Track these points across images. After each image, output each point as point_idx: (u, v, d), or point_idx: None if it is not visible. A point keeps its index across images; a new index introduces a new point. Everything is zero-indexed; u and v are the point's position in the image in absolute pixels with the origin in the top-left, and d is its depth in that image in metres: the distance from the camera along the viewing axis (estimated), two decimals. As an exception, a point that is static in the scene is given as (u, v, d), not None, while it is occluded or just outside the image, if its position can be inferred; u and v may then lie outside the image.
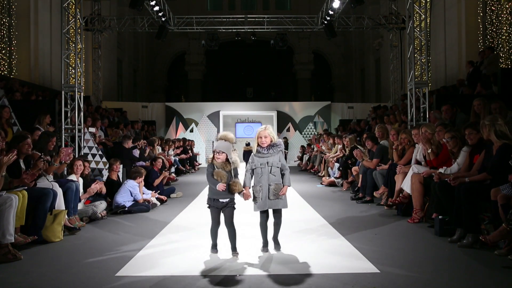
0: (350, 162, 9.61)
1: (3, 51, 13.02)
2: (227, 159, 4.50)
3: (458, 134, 5.70)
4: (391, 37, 17.96)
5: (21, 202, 4.63)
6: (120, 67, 22.85)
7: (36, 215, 4.97)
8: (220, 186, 4.38)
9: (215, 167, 4.47)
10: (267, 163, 4.57)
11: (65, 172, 6.94)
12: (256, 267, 4.09)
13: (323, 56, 28.74)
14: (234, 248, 4.48)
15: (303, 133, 20.76)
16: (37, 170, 5.23)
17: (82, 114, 9.16)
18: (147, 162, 9.94)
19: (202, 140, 20.27)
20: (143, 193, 7.61)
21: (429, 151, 6.24)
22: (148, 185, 8.45)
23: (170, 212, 7.15)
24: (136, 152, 9.89)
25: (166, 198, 8.23)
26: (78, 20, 9.18)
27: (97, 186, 6.68)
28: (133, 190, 7.28)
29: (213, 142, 18.53)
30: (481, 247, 4.53)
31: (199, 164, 17.83)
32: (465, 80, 11.17)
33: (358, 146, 9.94)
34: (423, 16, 9.85)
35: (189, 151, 16.09)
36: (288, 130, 20.95)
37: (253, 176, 4.66)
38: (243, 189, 4.55)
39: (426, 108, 9.30)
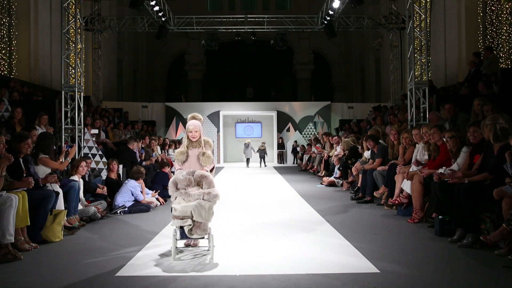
0: (350, 162, 9.62)
1: (3, 51, 13.02)
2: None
3: (457, 134, 5.70)
4: (391, 37, 17.96)
5: (21, 202, 4.62)
6: (120, 67, 22.85)
7: (36, 216, 4.96)
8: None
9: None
10: None
11: (65, 172, 6.96)
12: (256, 267, 4.09)
13: (323, 56, 28.75)
14: None
15: (303, 133, 20.78)
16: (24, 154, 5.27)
17: (82, 114, 9.15)
18: (146, 161, 9.94)
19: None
20: (146, 194, 7.62)
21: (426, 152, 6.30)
22: (148, 185, 8.46)
23: (170, 212, 7.14)
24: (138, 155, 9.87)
25: (164, 202, 8.12)
26: (78, 20, 9.17)
27: (100, 191, 7.08)
28: (135, 190, 7.29)
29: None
30: (481, 247, 4.53)
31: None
32: (465, 82, 11.14)
33: (358, 146, 9.96)
34: (423, 16, 9.85)
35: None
36: (288, 130, 20.98)
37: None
38: None
39: (426, 108, 9.31)
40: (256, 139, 20.96)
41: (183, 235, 4.31)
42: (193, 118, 4.76)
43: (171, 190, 4.49)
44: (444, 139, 5.79)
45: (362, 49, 25.58)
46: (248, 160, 18.51)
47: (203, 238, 4.35)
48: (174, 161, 4.77)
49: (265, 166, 18.54)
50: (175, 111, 20.72)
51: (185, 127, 4.79)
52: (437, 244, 4.89)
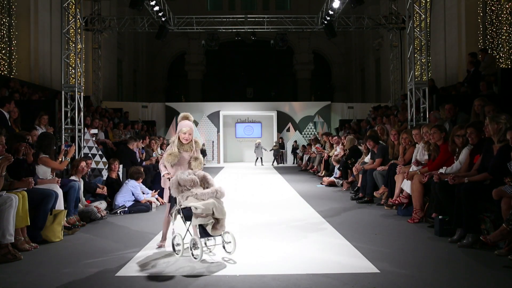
0: (350, 162, 9.62)
1: (3, 51, 13.02)
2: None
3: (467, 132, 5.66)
4: (391, 37, 17.96)
5: (21, 202, 4.63)
6: (120, 67, 22.85)
7: (36, 216, 4.96)
8: None
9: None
10: None
11: (65, 172, 6.96)
12: (256, 267, 4.09)
13: (323, 56, 28.75)
14: None
15: (303, 133, 20.79)
16: (21, 154, 5.26)
17: (82, 114, 9.15)
18: (146, 161, 9.94)
19: (202, 140, 20.32)
20: (144, 193, 7.62)
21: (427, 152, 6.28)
22: (148, 185, 8.46)
23: (170, 212, 7.14)
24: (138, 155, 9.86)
25: (163, 202, 8.12)
26: (78, 20, 9.17)
27: (100, 191, 7.10)
28: (135, 190, 7.30)
29: (212, 142, 20.61)
30: (481, 247, 4.53)
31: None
32: (465, 82, 11.14)
33: (359, 146, 9.96)
34: (423, 16, 9.85)
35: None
36: (288, 130, 20.99)
37: None
38: None
39: (426, 108, 9.31)
40: (256, 139, 21.01)
41: (204, 234, 4.23)
42: (186, 118, 4.62)
43: (175, 190, 4.34)
44: (456, 136, 5.72)
45: (362, 49, 25.57)
46: (258, 159, 19.40)
47: (219, 235, 4.31)
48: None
49: (264, 165, 19.18)
50: (175, 111, 20.70)
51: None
52: (437, 244, 4.89)
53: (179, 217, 4.37)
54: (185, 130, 4.53)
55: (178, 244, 4.46)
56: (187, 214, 4.27)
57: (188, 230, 4.43)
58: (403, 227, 5.80)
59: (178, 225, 4.52)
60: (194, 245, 4.27)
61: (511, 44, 12.81)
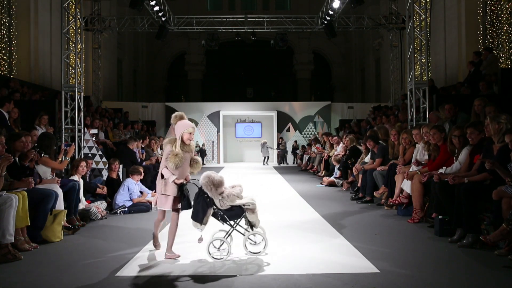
0: (350, 162, 9.61)
1: (3, 51, 13.01)
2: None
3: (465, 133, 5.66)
4: (391, 37, 17.96)
5: (21, 202, 4.62)
6: (120, 67, 22.84)
7: (36, 216, 4.96)
8: None
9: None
10: None
11: (65, 172, 6.96)
12: (256, 267, 4.09)
13: (323, 56, 28.75)
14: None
15: (303, 133, 20.79)
16: (29, 160, 5.26)
17: (82, 114, 9.15)
18: (146, 161, 9.94)
19: (202, 140, 20.32)
20: (147, 193, 7.61)
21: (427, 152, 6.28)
22: (148, 185, 8.45)
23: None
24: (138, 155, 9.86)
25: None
26: (78, 20, 9.18)
27: (100, 191, 7.11)
28: (131, 186, 7.28)
29: (213, 142, 20.68)
30: (481, 247, 4.53)
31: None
32: (465, 82, 11.14)
33: (359, 147, 9.96)
34: (423, 16, 9.85)
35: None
36: (288, 130, 21.00)
37: None
38: None
39: (426, 108, 9.31)
40: (256, 139, 21.05)
41: (252, 229, 4.46)
42: (183, 118, 4.52)
43: (214, 193, 4.26)
44: (453, 137, 5.72)
45: (362, 49, 25.57)
46: (265, 158, 19.76)
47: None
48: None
49: (268, 165, 19.37)
50: (175, 111, 20.53)
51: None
52: (437, 244, 4.89)
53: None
54: (190, 131, 4.42)
55: (219, 247, 4.35)
56: (232, 214, 4.33)
57: (234, 228, 4.43)
58: (403, 227, 5.80)
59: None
60: (253, 241, 4.46)
61: (511, 44, 12.80)
